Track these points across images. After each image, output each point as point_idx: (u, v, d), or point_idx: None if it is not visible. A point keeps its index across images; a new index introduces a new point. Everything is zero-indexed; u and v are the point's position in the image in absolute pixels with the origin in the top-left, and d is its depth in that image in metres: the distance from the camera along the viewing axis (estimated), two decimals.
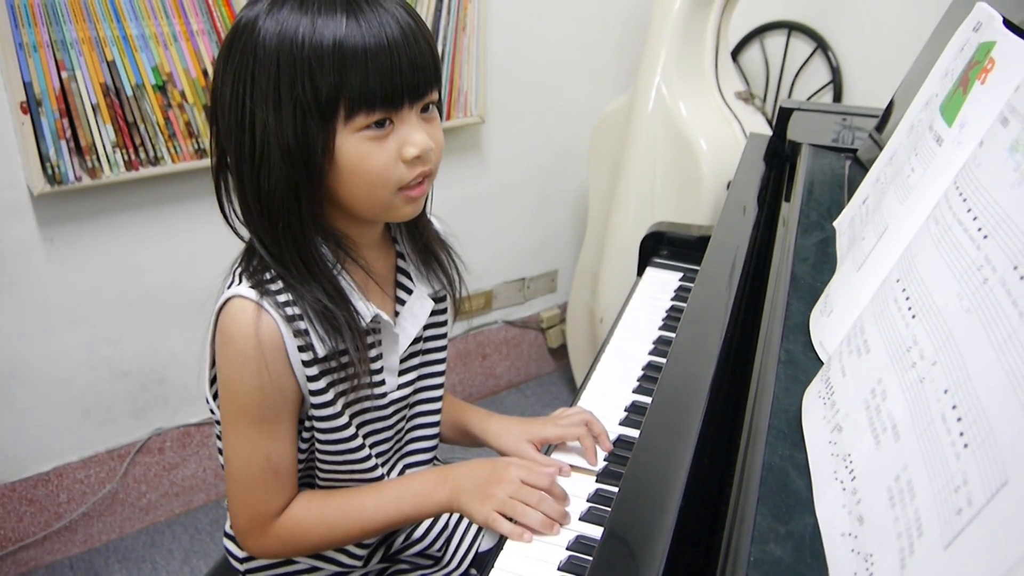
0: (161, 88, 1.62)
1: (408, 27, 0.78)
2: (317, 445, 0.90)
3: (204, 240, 1.80)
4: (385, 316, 0.90)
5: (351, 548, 0.99)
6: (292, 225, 0.82)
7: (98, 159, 1.58)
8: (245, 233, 0.87)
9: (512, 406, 2.49)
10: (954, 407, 0.48)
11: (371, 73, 0.76)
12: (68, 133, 1.54)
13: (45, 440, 1.80)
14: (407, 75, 0.78)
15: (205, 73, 1.65)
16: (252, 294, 0.82)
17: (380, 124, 0.79)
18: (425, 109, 0.83)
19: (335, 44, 0.75)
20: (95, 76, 1.54)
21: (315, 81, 0.75)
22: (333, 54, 0.75)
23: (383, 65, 0.76)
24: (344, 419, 0.89)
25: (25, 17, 1.44)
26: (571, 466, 0.96)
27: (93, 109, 1.55)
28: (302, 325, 0.83)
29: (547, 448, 1.01)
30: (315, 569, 1.01)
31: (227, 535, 1.03)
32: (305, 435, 0.90)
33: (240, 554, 1.01)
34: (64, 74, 1.51)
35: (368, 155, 0.79)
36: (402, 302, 0.95)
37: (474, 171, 2.21)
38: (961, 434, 0.46)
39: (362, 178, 0.80)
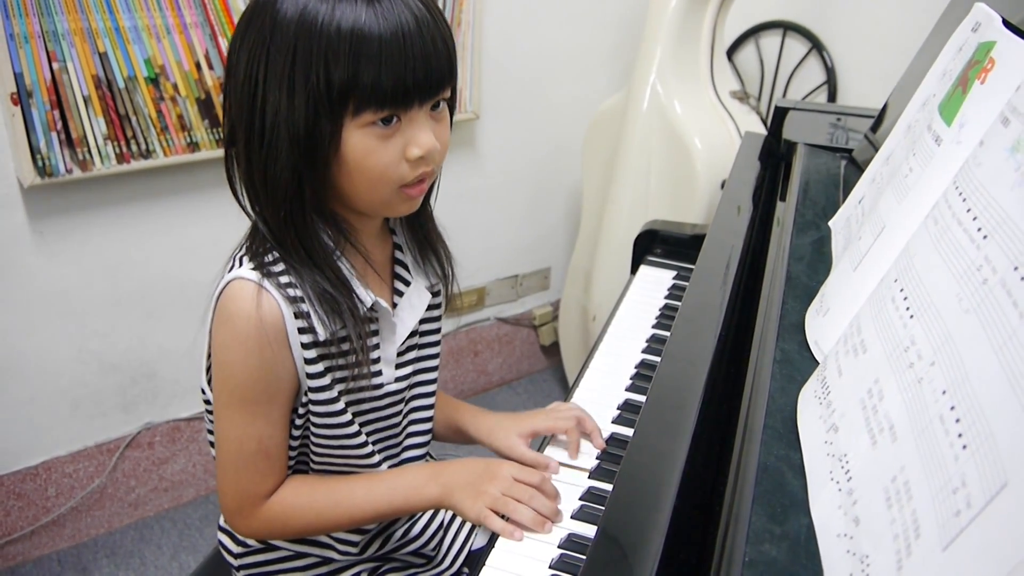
0: (153, 81, 1.60)
1: (425, 21, 0.77)
2: (312, 430, 0.90)
3: (195, 234, 1.79)
4: (384, 304, 0.89)
5: (345, 535, 0.99)
6: (294, 212, 0.81)
7: (89, 152, 1.57)
8: (250, 209, 0.86)
9: (504, 403, 2.49)
10: (952, 408, 0.48)
11: (383, 69, 0.75)
12: (59, 125, 1.53)
13: (33, 434, 1.79)
14: (419, 73, 0.77)
15: (198, 66, 1.64)
16: (254, 275, 0.82)
17: (387, 121, 0.78)
18: (436, 107, 0.82)
19: (352, 34, 0.74)
20: (87, 68, 1.53)
21: (329, 72, 0.75)
22: (348, 45, 0.74)
23: (396, 61, 0.75)
24: (340, 405, 0.88)
25: (16, 7, 1.43)
26: (562, 463, 0.96)
27: (84, 101, 1.54)
28: (304, 307, 0.83)
29: (540, 443, 1.00)
30: (313, 566, 1.00)
31: (221, 529, 1.03)
32: (298, 421, 0.89)
33: (235, 549, 1.00)
34: (55, 65, 1.50)
35: (372, 151, 0.79)
36: (399, 293, 0.95)
37: (468, 167, 2.20)
38: (960, 435, 0.46)
39: (364, 174, 0.80)
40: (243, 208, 0.87)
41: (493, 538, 0.86)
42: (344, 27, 0.74)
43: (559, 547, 0.84)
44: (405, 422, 1.01)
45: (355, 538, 0.99)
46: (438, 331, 1.03)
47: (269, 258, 0.84)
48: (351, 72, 0.74)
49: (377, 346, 0.92)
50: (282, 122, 0.77)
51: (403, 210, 0.86)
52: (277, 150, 0.78)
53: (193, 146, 1.68)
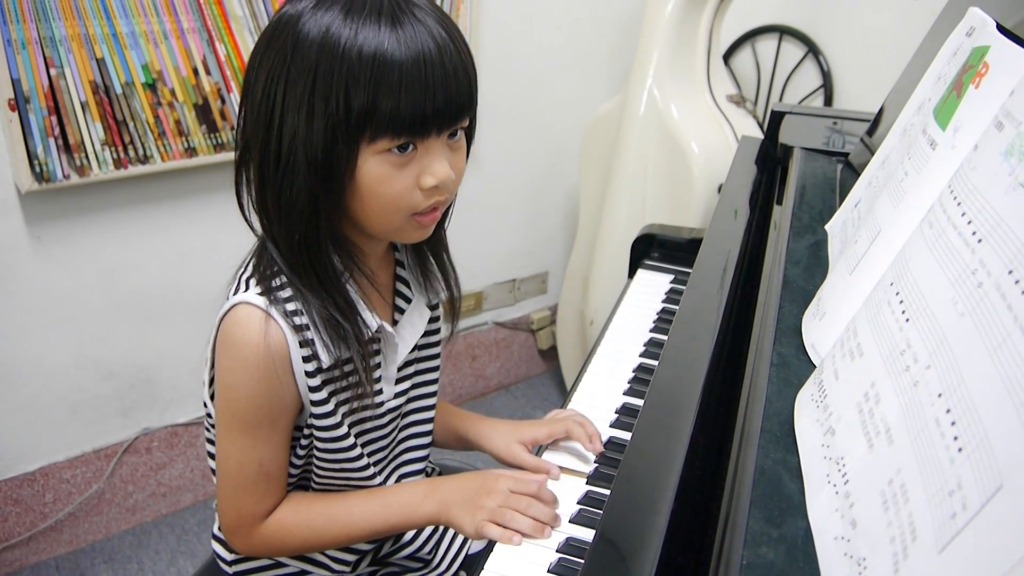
0: (151, 86, 1.61)
1: (447, 48, 0.76)
2: (315, 452, 0.90)
3: (193, 239, 1.79)
4: (388, 327, 0.89)
5: (340, 554, 0.99)
6: (309, 237, 0.80)
7: (87, 157, 1.57)
8: (258, 228, 0.85)
9: (502, 407, 2.49)
10: (948, 411, 0.48)
11: (403, 97, 0.74)
12: (56, 131, 1.53)
13: (31, 439, 1.79)
14: (438, 102, 0.76)
15: (195, 72, 1.65)
16: (260, 301, 0.81)
17: (403, 148, 0.77)
18: (454, 135, 0.81)
19: (373, 59, 0.73)
20: (84, 74, 1.53)
21: (348, 98, 0.73)
22: (370, 71, 0.73)
23: (415, 89, 0.74)
24: (344, 428, 0.88)
25: (14, 13, 1.43)
26: (561, 468, 0.96)
27: (82, 107, 1.54)
28: (308, 335, 0.82)
29: (538, 449, 1.00)
30: (304, 573, 1.00)
31: (215, 537, 1.03)
32: (304, 441, 0.89)
33: (228, 556, 1.00)
34: (53, 71, 1.50)
35: (387, 179, 0.78)
36: (400, 311, 0.95)
37: (465, 172, 2.20)
38: (955, 438, 0.46)
39: (377, 200, 0.79)
40: (251, 227, 0.86)
41: (491, 542, 0.86)
42: (366, 52, 0.73)
43: (557, 551, 0.84)
44: (402, 435, 1.01)
45: (350, 557, 0.99)
46: (438, 344, 1.02)
47: (276, 282, 0.83)
48: (370, 98, 0.73)
49: (379, 366, 0.92)
50: (299, 145, 0.76)
51: (414, 237, 0.86)
52: (293, 173, 0.77)
53: (191, 151, 1.68)
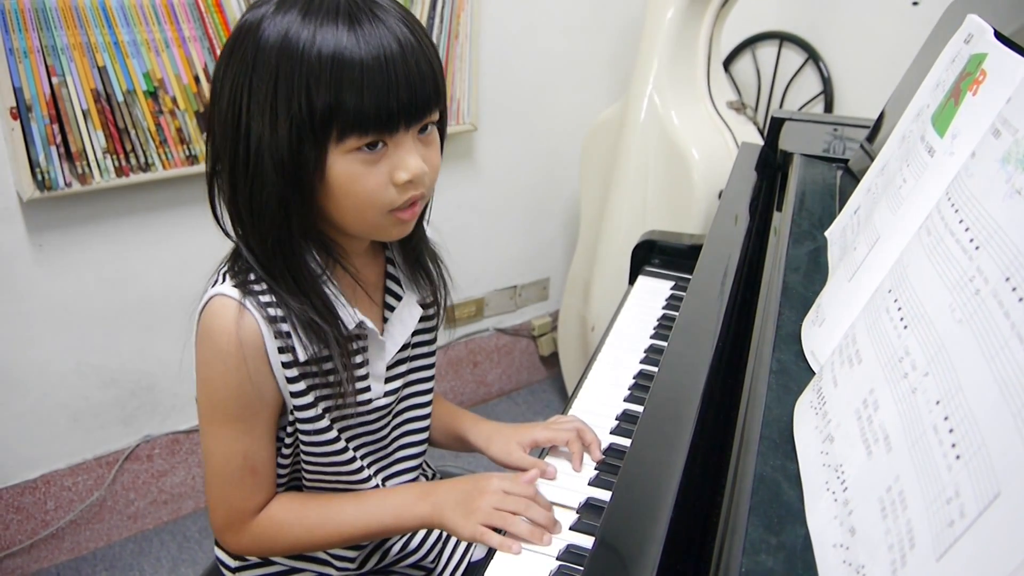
0: (152, 94, 1.61)
1: (408, 45, 0.76)
2: (302, 448, 0.89)
3: (194, 247, 1.79)
4: (370, 324, 0.89)
5: (344, 551, 0.98)
6: (282, 241, 0.81)
7: (88, 165, 1.57)
8: (234, 235, 0.86)
9: (503, 414, 2.49)
10: (946, 418, 0.48)
11: (366, 94, 0.74)
12: (58, 139, 1.53)
13: (32, 447, 1.79)
14: (403, 97, 0.76)
15: (197, 79, 1.65)
16: (235, 293, 0.82)
17: (372, 146, 0.78)
18: (424, 130, 0.81)
19: (333, 59, 0.73)
20: (86, 82, 1.53)
21: (311, 99, 0.74)
22: (330, 71, 0.73)
23: (378, 86, 0.74)
24: (325, 422, 0.88)
25: (16, 22, 1.44)
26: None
27: (84, 115, 1.54)
28: (284, 327, 0.83)
29: (539, 455, 1.00)
30: (307, 575, 1.00)
31: (218, 543, 1.02)
32: (288, 440, 0.89)
33: (232, 563, 1.00)
34: (55, 80, 1.50)
35: (359, 177, 0.78)
36: (391, 308, 0.95)
37: (466, 179, 2.21)
38: (953, 445, 0.46)
39: (351, 200, 0.79)
40: (225, 232, 0.86)
41: (492, 550, 0.86)
42: (325, 52, 0.73)
43: (557, 558, 0.84)
44: (395, 434, 1.00)
45: (352, 554, 0.99)
46: (431, 342, 1.02)
47: (252, 276, 0.83)
48: (333, 97, 0.74)
49: (365, 363, 0.92)
50: (266, 149, 0.76)
51: (395, 234, 0.85)
52: (263, 177, 0.77)
53: (192, 159, 1.69)
